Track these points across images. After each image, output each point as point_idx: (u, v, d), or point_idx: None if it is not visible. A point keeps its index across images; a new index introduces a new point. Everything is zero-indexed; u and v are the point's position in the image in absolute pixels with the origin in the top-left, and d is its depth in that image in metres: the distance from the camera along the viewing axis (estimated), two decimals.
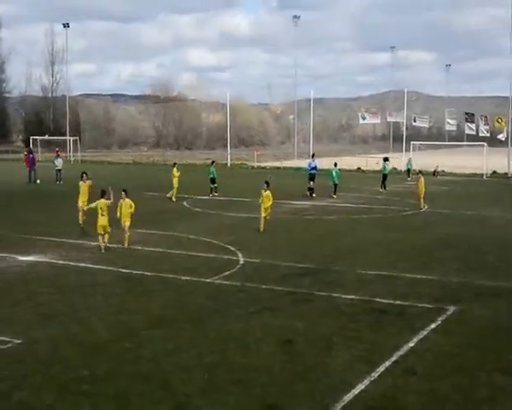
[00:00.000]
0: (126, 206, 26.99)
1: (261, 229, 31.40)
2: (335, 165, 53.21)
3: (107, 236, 26.48)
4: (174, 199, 44.89)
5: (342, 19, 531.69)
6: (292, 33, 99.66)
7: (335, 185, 50.31)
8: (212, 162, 54.12)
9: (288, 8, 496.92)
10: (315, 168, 49.78)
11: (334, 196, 48.95)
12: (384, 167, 56.58)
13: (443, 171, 72.98)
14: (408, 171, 68.05)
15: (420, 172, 46.32)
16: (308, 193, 48.60)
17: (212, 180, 49.38)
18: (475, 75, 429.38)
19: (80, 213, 30.94)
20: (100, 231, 26.26)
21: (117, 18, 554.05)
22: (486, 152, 71.41)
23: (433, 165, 71.60)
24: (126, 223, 27.14)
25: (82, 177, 32.44)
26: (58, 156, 64.49)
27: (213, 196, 48.44)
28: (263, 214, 31.63)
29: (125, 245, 26.90)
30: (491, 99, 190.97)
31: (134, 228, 30.00)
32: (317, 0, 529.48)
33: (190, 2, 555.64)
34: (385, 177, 55.43)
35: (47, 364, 14.19)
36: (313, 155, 52.63)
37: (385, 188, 53.96)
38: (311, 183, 48.43)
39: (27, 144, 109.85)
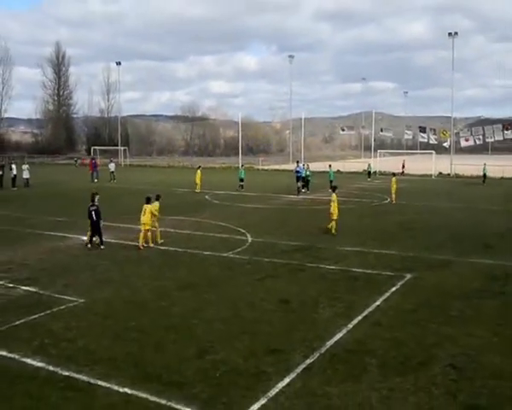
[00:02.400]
0: (154, 208, 24.14)
1: (333, 231, 26.77)
2: (330, 166, 53.28)
3: (149, 233, 23.74)
4: (198, 191, 45.34)
5: (326, 58, 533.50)
6: (288, 69, 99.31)
7: (331, 182, 50.23)
8: (242, 166, 56.20)
9: (285, 51, 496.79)
10: (299, 172, 48.25)
11: (330, 190, 48.68)
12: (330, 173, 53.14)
13: (402, 173, 72.62)
14: (368, 173, 66.65)
15: (393, 173, 46.00)
16: (303, 190, 47.09)
17: (241, 179, 50.17)
18: (426, 100, 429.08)
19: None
20: (142, 226, 23.63)
21: (157, 58, 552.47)
22: (434, 158, 71.39)
23: (395, 168, 71.28)
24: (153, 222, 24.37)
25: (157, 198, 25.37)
26: (111, 161, 64.56)
27: (239, 190, 48.25)
28: (335, 217, 26.91)
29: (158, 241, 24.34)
30: (439, 118, 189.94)
31: (168, 215, 30.01)
32: (307, 44, 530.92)
33: (212, 47, 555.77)
34: (331, 181, 51.24)
35: (104, 317, 14.21)
36: (297, 162, 51.70)
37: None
38: (298, 183, 47.11)
39: (89, 153, 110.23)
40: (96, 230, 23.18)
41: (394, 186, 41.37)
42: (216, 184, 53.46)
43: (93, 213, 23.09)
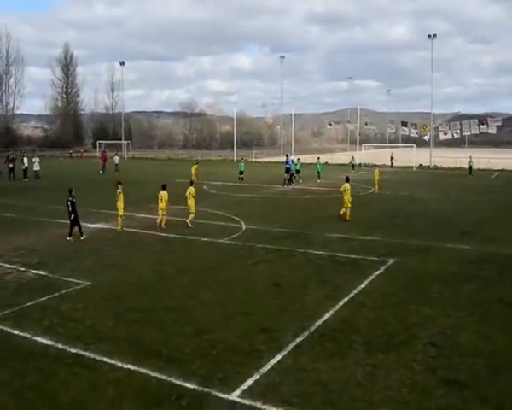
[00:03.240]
0: (165, 196, 24.79)
1: (348, 217, 27.12)
2: (318, 159, 53.10)
3: (165, 217, 24.83)
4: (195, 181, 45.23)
5: (314, 58, 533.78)
6: (279, 69, 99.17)
7: (319, 173, 50.29)
8: (241, 159, 55.45)
9: (277, 52, 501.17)
10: (288, 163, 46.72)
11: (318, 181, 48.77)
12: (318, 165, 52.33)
13: (391, 165, 72.44)
14: (352, 165, 65.22)
15: (376, 165, 45.94)
16: (291, 183, 45.71)
17: (241, 172, 49.78)
18: (408, 97, 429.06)
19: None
20: (160, 212, 24.64)
21: (158, 58, 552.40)
22: (415, 151, 71.43)
23: (378, 160, 71.23)
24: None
25: (191, 183, 26.64)
26: (116, 154, 64.41)
27: (239, 182, 47.98)
28: (349, 205, 27.26)
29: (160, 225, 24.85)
30: (419, 114, 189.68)
31: (170, 205, 29.90)
32: (297, 46, 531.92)
33: (210, 48, 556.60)
34: (319, 173, 51.21)
35: (108, 299, 14.19)
36: (287, 155, 50.67)
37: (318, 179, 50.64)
38: (286, 175, 45.94)
39: (95, 146, 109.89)
40: (74, 221, 22.21)
41: (377, 177, 41.45)
42: (213, 175, 53.35)
43: (69, 204, 22.15)
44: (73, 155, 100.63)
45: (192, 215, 25.39)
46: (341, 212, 27.34)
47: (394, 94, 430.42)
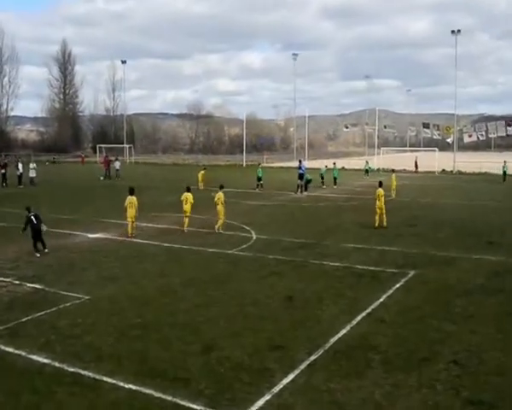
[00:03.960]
0: (190, 197, 26.88)
1: (384, 224, 27.56)
2: (334, 164, 53.38)
3: (187, 220, 26.77)
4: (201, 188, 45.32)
5: (329, 55, 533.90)
6: (292, 67, 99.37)
7: (335, 179, 50.65)
8: (259, 164, 55.43)
9: (289, 49, 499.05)
10: (301, 169, 46.31)
11: (334, 187, 48.95)
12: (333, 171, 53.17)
13: (416, 171, 72.31)
14: (366, 170, 65.34)
15: (392, 170, 45.99)
16: (302, 192, 45.13)
17: (259, 178, 48.68)
18: (430, 97, 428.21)
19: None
20: (185, 214, 26.70)
21: (162, 56, 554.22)
22: (438, 155, 71.27)
23: (399, 164, 71.09)
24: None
25: (221, 187, 27.90)
26: (117, 160, 64.68)
27: (259, 190, 47.19)
28: (384, 211, 27.74)
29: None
30: (442, 115, 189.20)
31: (173, 213, 30.13)
32: (311, 42, 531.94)
33: (217, 45, 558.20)
34: (335, 178, 52.17)
35: (109, 314, 14.21)
36: (300, 161, 50.42)
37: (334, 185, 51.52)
38: (299, 181, 45.74)
39: (95, 151, 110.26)
40: (36, 235, 21.70)
41: (394, 183, 41.45)
42: (220, 181, 53.29)
43: (33, 218, 21.74)
44: (59, 160, 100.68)
45: (221, 221, 26.46)
46: (376, 223, 27.64)
47: (415, 94, 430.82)
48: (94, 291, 16.24)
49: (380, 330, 13.12)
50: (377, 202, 27.79)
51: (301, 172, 46.05)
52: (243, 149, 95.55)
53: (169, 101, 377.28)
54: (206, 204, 29.47)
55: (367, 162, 67.72)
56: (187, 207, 26.60)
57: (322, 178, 51.53)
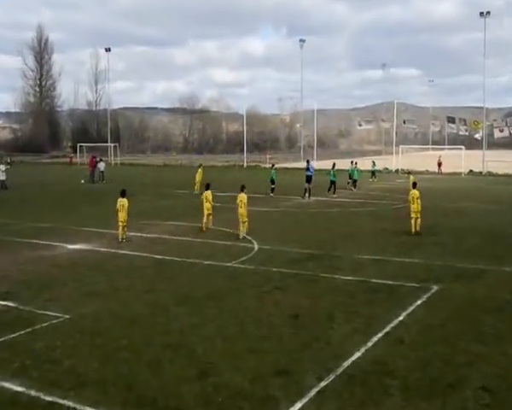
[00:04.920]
0: (210, 196, 29.39)
1: (418, 229, 28.27)
2: (356, 164, 53.44)
3: (211, 217, 29.41)
4: (196, 192, 45.35)
5: (341, 41, 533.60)
6: (299, 55, 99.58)
7: (355, 181, 50.80)
8: (273, 166, 54.15)
9: (296, 34, 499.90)
10: (310, 170, 46.53)
11: (354, 190, 49.28)
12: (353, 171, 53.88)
13: (439, 171, 72.32)
14: (372, 172, 65.54)
15: (409, 172, 46.14)
16: (307, 195, 45.47)
17: (272, 181, 48.21)
18: (455, 88, 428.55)
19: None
20: (206, 212, 29.06)
21: (152, 43, 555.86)
22: (464, 154, 71.26)
23: (419, 164, 71.16)
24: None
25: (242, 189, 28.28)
26: (101, 160, 64.89)
27: (271, 195, 46.76)
28: (418, 215, 28.30)
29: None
30: (469, 109, 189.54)
31: (164, 220, 30.20)
32: (320, 27, 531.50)
33: (215, 30, 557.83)
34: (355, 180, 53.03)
35: (92, 335, 14.22)
36: (308, 161, 50.02)
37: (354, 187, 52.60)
38: (307, 184, 45.70)
39: (75, 150, 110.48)
40: None
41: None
42: (218, 184, 53.36)
43: None
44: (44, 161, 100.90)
45: (245, 225, 27.43)
46: (413, 229, 28.10)
47: (438, 85, 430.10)
48: (75, 309, 16.25)
49: (398, 352, 13.12)
50: (412, 206, 28.30)
51: (309, 173, 45.81)
52: (243, 148, 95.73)
53: (159, 94, 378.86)
54: (199, 211, 29.44)
55: (373, 163, 67.54)
56: (207, 205, 28.95)
57: (351, 177, 51.83)
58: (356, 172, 52.97)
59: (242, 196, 27.56)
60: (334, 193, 47.25)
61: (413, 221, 28.20)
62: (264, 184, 50.27)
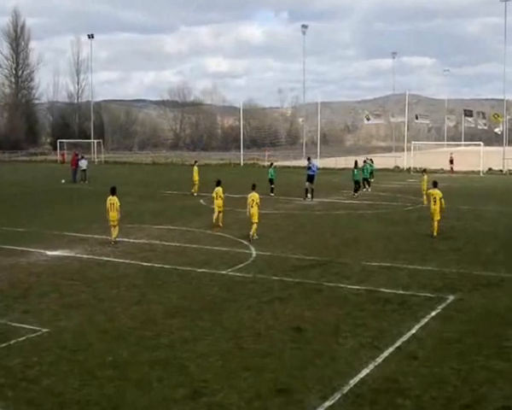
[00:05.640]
0: (221, 192, 31.71)
1: (435, 233, 28.61)
2: (371, 161, 53.31)
3: (221, 215, 31.66)
4: (195, 194, 45.44)
5: (347, 28, 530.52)
6: (301, 42, 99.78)
7: (368, 180, 50.93)
8: (271, 164, 54.22)
9: (298, 20, 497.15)
10: (312, 170, 46.17)
11: (369, 190, 49.57)
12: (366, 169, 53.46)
13: (451, 170, 72.32)
14: (371, 172, 65.21)
15: (424, 171, 46.18)
16: (310, 196, 45.29)
17: (271, 181, 48.36)
18: (473, 79, 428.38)
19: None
20: (217, 209, 31.51)
21: (139, 29, 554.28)
22: (483, 150, 71.25)
23: (432, 163, 71.15)
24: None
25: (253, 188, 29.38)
26: (83, 158, 64.85)
27: (271, 195, 46.45)
28: (437, 218, 28.64)
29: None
30: (488, 101, 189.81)
31: (153, 224, 30.20)
32: (324, 11, 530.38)
33: (208, 15, 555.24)
34: (367, 179, 52.80)
35: (73, 351, 14.21)
36: (309, 158, 49.53)
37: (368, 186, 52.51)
38: (308, 183, 45.47)
39: (55, 147, 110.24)
40: None
41: (426, 186, 41.53)
42: (212, 184, 53.33)
43: None
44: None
45: (255, 226, 28.06)
46: (434, 232, 28.42)
47: (454, 75, 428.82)
48: (54, 322, 16.24)
49: (411, 369, 13.12)
50: (432, 206, 28.54)
51: (311, 173, 45.53)
52: (240, 145, 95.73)
53: (147, 85, 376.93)
54: (192, 213, 29.48)
55: (371, 161, 67.29)
56: (218, 202, 31.24)
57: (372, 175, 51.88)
58: (365, 170, 52.75)
59: (255, 196, 28.24)
60: (354, 193, 47.73)
61: (435, 223, 28.44)
62: (262, 184, 50.20)
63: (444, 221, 31.09)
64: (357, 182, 48.16)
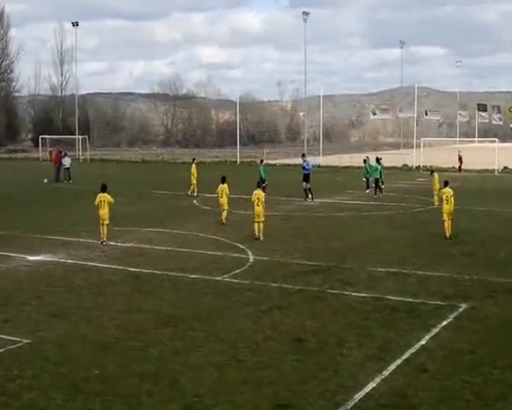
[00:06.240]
0: (226, 189, 33.09)
1: (447, 234, 28.86)
2: (380, 160, 53.01)
3: (225, 213, 33.09)
4: (191, 194, 45.46)
5: (352, 15, 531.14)
6: (302, 30, 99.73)
7: (377, 180, 50.27)
8: (261, 161, 53.43)
9: (298, 7, 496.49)
10: (306, 168, 46.21)
11: (380, 195, 49.15)
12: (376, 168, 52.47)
13: (459, 169, 72.33)
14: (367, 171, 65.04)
15: (432, 171, 46.24)
16: (310, 196, 45.16)
17: (262, 179, 46.86)
18: (486, 70, 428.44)
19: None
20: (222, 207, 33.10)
21: (129, 17, 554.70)
22: (498, 147, 71.23)
23: (443, 161, 71.19)
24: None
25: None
26: (66, 155, 64.76)
27: (266, 192, 46.26)
28: (447, 218, 28.86)
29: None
30: (503, 94, 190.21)
31: (142, 226, 30.20)
32: None
33: (202, 1, 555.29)
34: (377, 179, 51.24)
35: (56, 363, 14.20)
36: (303, 155, 50.05)
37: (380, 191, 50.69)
38: (305, 183, 45.44)
39: (37, 144, 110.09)
40: None
41: (437, 186, 41.50)
42: (207, 184, 53.30)
43: None
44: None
45: (262, 226, 29.05)
46: (447, 233, 28.64)
47: (467, 66, 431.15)
48: (36, 333, 16.23)
49: (421, 382, 13.12)
50: (445, 206, 28.70)
51: (306, 172, 45.26)
52: (236, 141, 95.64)
53: (136, 76, 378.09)
54: (186, 215, 29.49)
55: (368, 158, 67.10)
56: (223, 200, 32.74)
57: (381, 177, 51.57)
58: (378, 170, 52.33)
59: (259, 194, 29.10)
60: (375, 193, 47.88)
61: (447, 224, 28.58)
62: (255, 185, 50.20)
63: (456, 223, 31.15)
64: (376, 180, 48.10)
